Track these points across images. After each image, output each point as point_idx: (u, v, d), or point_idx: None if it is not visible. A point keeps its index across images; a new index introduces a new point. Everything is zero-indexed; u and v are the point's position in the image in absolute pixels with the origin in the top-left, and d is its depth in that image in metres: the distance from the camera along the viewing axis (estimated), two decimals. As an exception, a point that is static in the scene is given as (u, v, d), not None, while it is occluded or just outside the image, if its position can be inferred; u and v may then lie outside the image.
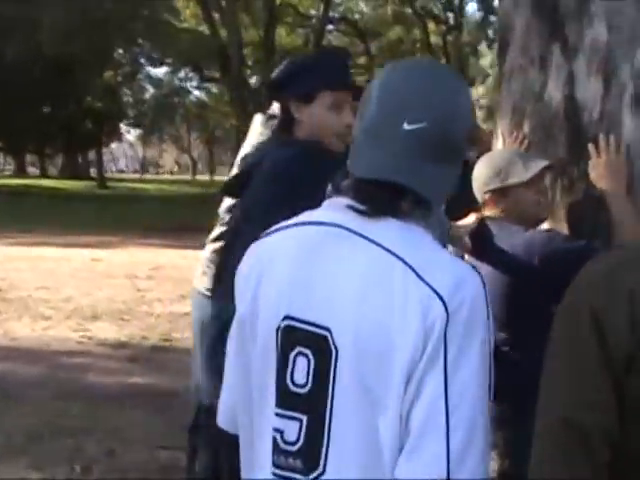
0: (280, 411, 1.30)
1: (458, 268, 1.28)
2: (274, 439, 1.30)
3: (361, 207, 1.30)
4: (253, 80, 31.35)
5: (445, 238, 1.39)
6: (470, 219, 2.31)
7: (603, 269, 1.21)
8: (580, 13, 2.35)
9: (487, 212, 2.28)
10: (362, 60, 33.13)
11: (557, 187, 2.40)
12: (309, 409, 1.28)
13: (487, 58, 17.50)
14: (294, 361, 1.30)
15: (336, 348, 1.25)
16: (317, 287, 1.30)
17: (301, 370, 1.29)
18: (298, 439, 1.28)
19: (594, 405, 1.12)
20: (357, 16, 33.97)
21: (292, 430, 1.29)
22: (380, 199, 1.29)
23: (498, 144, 2.73)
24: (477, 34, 31.94)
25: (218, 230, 3.04)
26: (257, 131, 2.96)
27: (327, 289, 1.29)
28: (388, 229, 1.29)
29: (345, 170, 1.36)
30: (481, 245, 2.21)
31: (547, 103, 2.44)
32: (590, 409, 1.12)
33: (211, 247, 3.07)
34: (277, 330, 1.32)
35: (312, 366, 1.28)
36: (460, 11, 31.46)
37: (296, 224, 1.40)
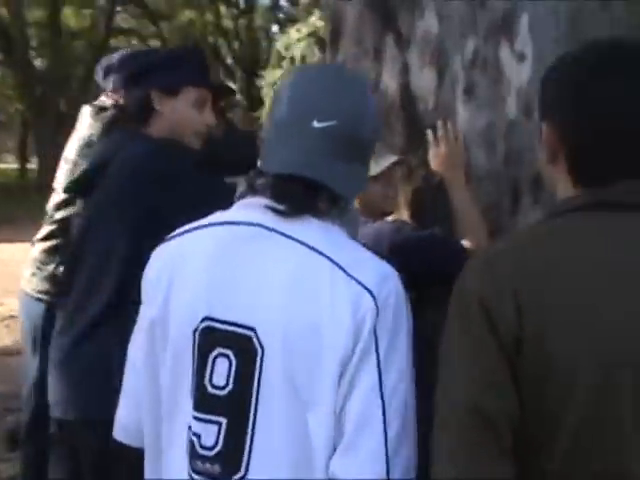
0: (198, 415, 1.27)
1: (380, 264, 1.33)
2: (191, 444, 1.27)
3: (280, 207, 1.31)
4: (39, 62, 29.84)
5: (357, 235, 1.42)
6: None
7: (486, 259, 1.25)
8: (412, 4, 2.41)
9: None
10: (154, 43, 32.45)
11: (396, 175, 2.46)
12: (229, 411, 1.26)
13: (281, 42, 17.59)
14: (213, 362, 1.27)
15: (262, 347, 1.25)
16: (239, 287, 1.29)
17: (221, 372, 1.27)
18: (216, 443, 1.26)
19: (496, 390, 1.15)
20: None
21: (210, 434, 1.26)
22: (297, 197, 1.32)
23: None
24: (269, 18, 32.17)
25: (48, 228, 2.87)
26: (87, 124, 2.82)
27: (251, 288, 1.28)
28: (309, 228, 1.31)
29: (257, 170, 1.38)
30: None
31: (383, 93, 2.49)
32: (493, 394, 1.15)
33: (40, 246, 2.89)
34: (194, 332, 1.29)
35: (234, 367, 1.26)
36: (251, -6, 31.51)
37: (208, 225, 1.39)
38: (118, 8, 30.49)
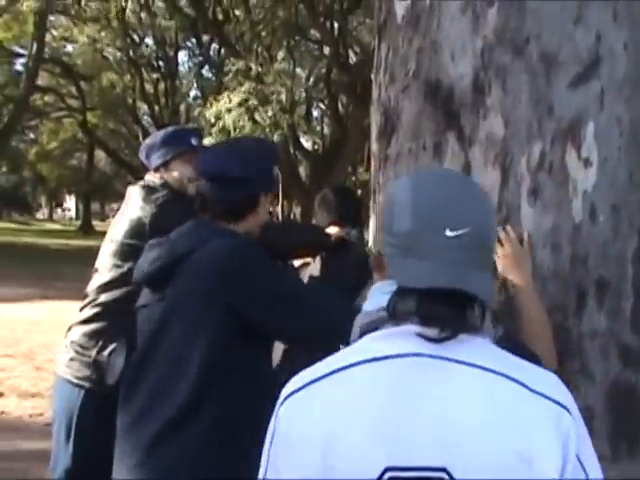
0: None
1: (549, 374, 1.31)
2: None
3: (433, 333, 1.23)
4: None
5: None
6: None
7: None
8: (476, 106, 2.46)
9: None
10: (74, 102, 32.15)
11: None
12: None
13: (212, 110, 17.62)
14: None
15: None
16: (419, 427, 1.20)
17: None
18: None
19: None
20: (65, 58, 32.92)
21: None
22: (449, 318, 1.24)
23: (380, 224, 2.75)
24: (190, 84, 32.37)
25: (90, 311, 2.75)
26: (137, 205, 2.74)
27: (433, 426, 1.19)
28: (470, 347, 1.25)
29: (396, 292, 1.29)
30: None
31: (443, 189, 2.51)
32: None
33: (81, 330, 2.76)
34: None
35: None
36: (173, 60, 31.63)
37: (354, 364, 1.26)
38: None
